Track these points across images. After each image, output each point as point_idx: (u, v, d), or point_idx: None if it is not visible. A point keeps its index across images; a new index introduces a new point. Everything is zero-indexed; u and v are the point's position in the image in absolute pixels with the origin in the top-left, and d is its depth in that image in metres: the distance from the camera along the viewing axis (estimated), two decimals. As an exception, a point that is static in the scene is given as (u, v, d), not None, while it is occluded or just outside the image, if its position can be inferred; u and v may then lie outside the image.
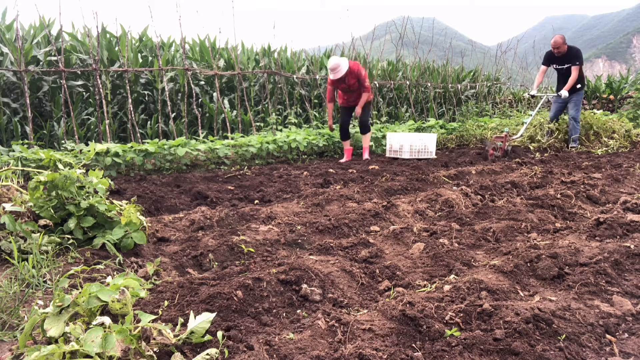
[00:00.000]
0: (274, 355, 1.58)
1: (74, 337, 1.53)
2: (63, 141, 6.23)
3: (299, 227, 3.11)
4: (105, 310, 1.69)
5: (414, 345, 1.67)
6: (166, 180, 4.91)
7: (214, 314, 1.74)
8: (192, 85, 7.57)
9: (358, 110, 6.75)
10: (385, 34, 12.96)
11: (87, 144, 6.21)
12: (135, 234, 2.58)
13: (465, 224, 3.26)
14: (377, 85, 10.53)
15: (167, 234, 2.98)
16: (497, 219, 3.34)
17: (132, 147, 5.51)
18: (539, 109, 8.20)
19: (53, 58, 7.23)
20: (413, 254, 2.65)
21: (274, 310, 1.94)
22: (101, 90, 6.53)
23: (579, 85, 7.55)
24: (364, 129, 7.01)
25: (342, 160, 6.81)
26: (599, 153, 6.98)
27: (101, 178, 2.82)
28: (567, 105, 7.79)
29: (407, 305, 1.85)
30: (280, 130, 7.88)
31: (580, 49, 7.74)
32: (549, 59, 7.75)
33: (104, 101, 6.54)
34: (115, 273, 2.28)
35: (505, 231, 3.01)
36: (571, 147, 7.51)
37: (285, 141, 6.75)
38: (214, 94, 8.61)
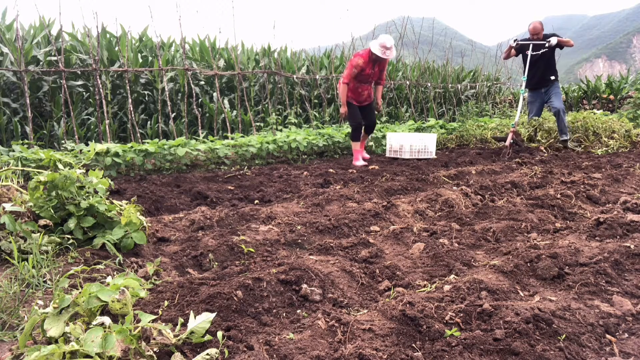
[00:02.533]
0: (274, 355, 1.58)
1: (74, 337, 1.53)
2: (63, 141, 6.22)
3: (299, 227, 3.11)
4: (105, 310, 1.69)
5: (414, 345, 1.67)
6: (166, 180, 4.91)
7: (214, 314, 1.74)
8: (192, 85, 7.57)
9: (380, 102, 6.66)
10: (385, 34, 12.95)
11: (87, 144, 6.21)
12: (135, 234, 2.58)
13: (465, 224, 3.26)
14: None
15: (167, 234, 2.98)
16: (497, 219, 3.34)
17: (132, 147, 5.51)
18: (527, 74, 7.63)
19: (53, 58, 7.23)
20: (413, 254, 2.65)
21: (274, 310, 1.94)
22: (101, 90, 6.53)
23: (552, 77, 7.27)
24: (373, 129, 6.81)
25: (362, 163, 6.38)
26: (599, 153, 6.98)
27: (101, 178, 2.82)
28: (546, 102, 7.45)
29: (407, 305, 1.85)
30: (280, 130, 7.88)
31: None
32: (521, 47, 7.31)
33: (104, 101, 6.54)
34: (115, 273, 2.28)
35: (505, 231, 3.01)
36: (563, 140, 7.27)
37: (285, 141, 6.75)
38: (214, 94, 8.61)
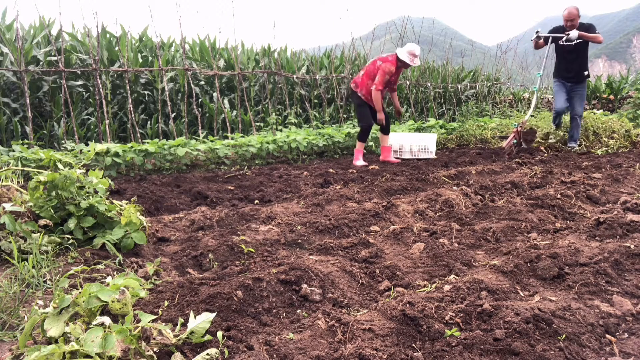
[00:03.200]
0: (274, 355, 1.58)
1: (74, 337, 1.53)
2: (63, 141, 6.23)
3: (299, 227, 3.11)
4: (105, 310, 1.69)
5: (414, 345, 1.67)
6: (166, 180, 4.91)
7: (214, 314, 1.74)
8: (192, 85, 7.57)
9: (400, 108, 6.68)
10: (385, 34, 12.95)
11: (87, 144, 6.21)
12: (135, 234, 2.58)
13: (465, 224, 3.26)
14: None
15: (167, 234, 2.98)
16: (497, 219, 3.34)
17: (132, 147, 5.51)
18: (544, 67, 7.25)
19: (53, 58, 7.22)
20: (413, 254, 2.65)
21: (274, 310, 1.94)
22: (101, 90, 6.53)
23: (586, 72, 6.81)
24: (389, 128, 6.73)
25: (362, 163, 6.34)
26: (599, 153, 6.98)
27: (101, 178, 2.82)
28: (570, 97, 6.86)
29: (407, 305, 1.85)
30: (280, 130, 7.88)
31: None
32: (546, 38, 6.82)
33: (104, 101, 6.53)
34: (115, 273, 2.28)
35: (505, 231, 3.01)
36: (569, 147, 7.14)
37: (285, 141, 6.75)
38: (214, 94, 8.61)
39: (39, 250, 2.33)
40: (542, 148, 7.33)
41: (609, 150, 7.15)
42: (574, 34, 6.44)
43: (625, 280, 2.18)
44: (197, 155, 6.06)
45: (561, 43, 6.75)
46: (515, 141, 7.04)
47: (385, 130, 6.65)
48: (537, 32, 6.91)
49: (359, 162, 6.39)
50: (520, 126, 7.05)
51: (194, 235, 2.95)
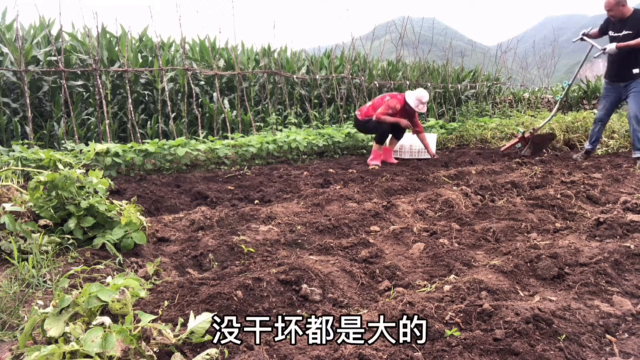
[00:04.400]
0: (274, 355, 1.58)
1: (74, 337, 1.53)
2: (63, 141, 6.22)
3: (299, 227, 3.11)
4: (105, 310, 1.69)
5: (414, 345, 1.66)
6: (166, 180, 4.91)
7: (214, 314, 1.74)
8: (192, 85, 7.56)
9: (430, 150, 6.80)
10: (385, 34, 12.96)
11: (87, 144, 6.20)
12: (135, 234, 2.58)
13: (465, 224, 3.26)
14: (377, 85, 10.53)
15: (167, 234, 2.98)
16: (497, 219, 3.34)
17: (132, 147, 5.50)
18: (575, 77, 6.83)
19: (53, 58, 7.22)
20: (413, 254, 2.65)
21: (274, 310, 1.94)
22: (101, 90, 6.52)
23: (636, 70, 5.66)
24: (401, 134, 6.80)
25: (377, 163, 6.38)
26: (599, 153, 6.98)
27: (101, 178, 2.82)
28: (623, 99, 5.92)
29: (407, 305, 1.85)
30: (280, 130, 7.88)
31: None
32: (606, 25, 5.84)
33: (104, 101, 6.53)
34: (115, 273, 2.28)
35: (505, 231, 3.01)
36: (635, 157, 5.73)
37: (285, 141, 6.75)
38: (214, 94, 8.60)
39: (39, 250, 2.33)
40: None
41: (609, 150, 7.15)
42: (611, 47, 5.62)
43: (625, 280, 2.18)
44: (197, 155, 6.06)
45: (611, 35, 5.80)
46: (519, 145, 6.96)
47: (397, 137, 6.70)
48: (583, 33, 6.17)
49: (374, 161, 6.37)
50: (531, 132, 6.83)
51: (194, 235, 2.95)
